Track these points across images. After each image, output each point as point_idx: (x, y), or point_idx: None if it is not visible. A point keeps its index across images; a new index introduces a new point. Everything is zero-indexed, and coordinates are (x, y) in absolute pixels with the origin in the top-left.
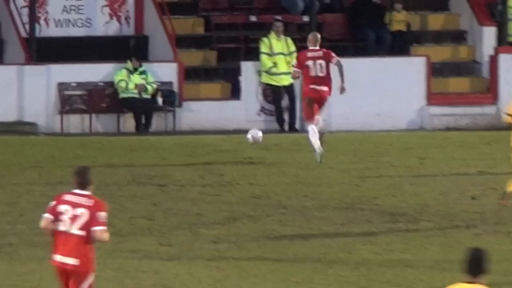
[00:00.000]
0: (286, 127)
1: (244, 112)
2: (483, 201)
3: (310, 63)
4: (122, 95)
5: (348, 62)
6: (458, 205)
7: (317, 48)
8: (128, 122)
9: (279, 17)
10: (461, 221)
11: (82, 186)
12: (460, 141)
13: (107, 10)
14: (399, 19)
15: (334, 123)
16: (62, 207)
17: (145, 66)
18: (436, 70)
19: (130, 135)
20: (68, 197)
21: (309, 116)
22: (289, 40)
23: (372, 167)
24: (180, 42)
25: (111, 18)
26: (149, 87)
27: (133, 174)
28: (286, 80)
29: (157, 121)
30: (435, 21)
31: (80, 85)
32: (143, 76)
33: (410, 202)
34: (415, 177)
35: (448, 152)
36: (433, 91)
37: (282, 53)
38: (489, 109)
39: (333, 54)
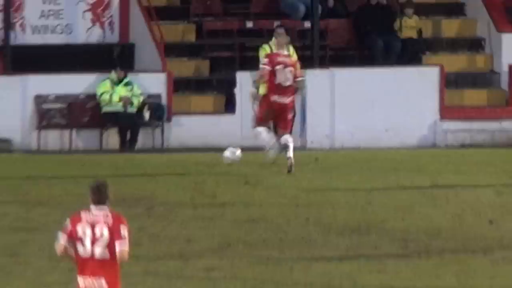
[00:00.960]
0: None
1: (239, 128)
2: (501, 225)
3: (279, 68)
4: (105, 109)
5: (354, 72)
6: (474, 229)
7: (287, 53)
8: (112, 138)
9: (278, 22)
10: (477, 246)
11: (100, 203)
12: (477, 159)
13: (89, 15)
14: (409, 25)
15: (338, 139)
16: (80, 228)
17: (130, 76)
18: (450, 81)
19: (114, 153)
20: (85, 216)
21: (260, 122)
22: (291, 48)
23: (380, 188)
24: (169, 50)
25: (94, 24)
26: (135, 100)
27: (117, 195)
28: None
29: (144, 138)
30: (450, 27)
31: (59, 97)
32: (129, 87)
33: (422, 226)
34: (427, 199)
35: (463, 172)
36: (447, 104)
37: None
38: (508, 124)
39: (299, 71)
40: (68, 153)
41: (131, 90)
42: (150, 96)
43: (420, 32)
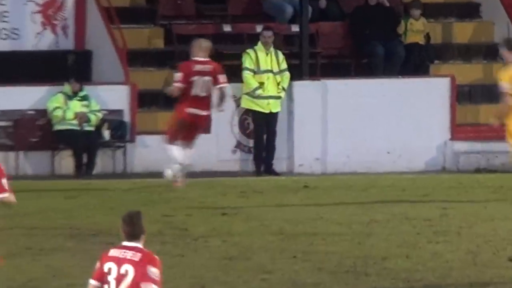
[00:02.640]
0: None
1: (215, 149)
2: None
3: (196, 78)
4: (57, 127)
5: (350, 84)
6: (491, 268)
7: (205, 59)
8: (66, 161)
9: (261, 26)
10: None
11: (132, 237)
12: (493, 185)
13: (39, 17)
14: (416, 29)
15: (331, 162)
16: (107, 266)
17: (87, 89)
18: (463, 95)
19: (68, 178)
20: (114, 252)
21: (172, 136)
22: (281, 55)
23: (380, 220)
24: (133, 58)
25: (44, 28)
26: (92, 117)
27: (72, 228)
28: (274, 106)
29: (103, 160)
30: (463, 31)
31: (3, 113)
32: (85, 102)
33: (429, 264)
34: (436, 232)
35: (477, 200)
36: (459, 122)
37: (271, 71)
38: None
39: (221, 76)
40: (14, 179)
41: (88, 105)
42: (110, 112)
43: (428, 37)
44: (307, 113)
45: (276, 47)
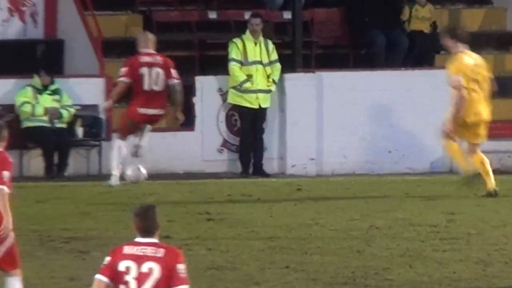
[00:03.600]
0: (251, 169)
1: (200, 148)
2: None
3: (144, 71)
4: (26, 124)
5: (348, 77)
6: (503, 279)
7: (153, 51)
8: (35, 161)
9: (249, 13)
10: None
11: (147, 233)
12: (507, 188)
13: (5, 3)
14: (422, 16)
15: (327, 163)
16: (123, 264)
17: (58, 82)
18: None
19: (38, 181)
20: (129, 250)
21: (124, 132)
22: (271, 45)
23: (381, 226)
24: (109, 48)
25: (11, 15)
26: (64, 113)
27: (42, 235)
28: (264, 101)
29: (76, 161)
30: (472, 19)
31: None
32: (56, 97)
33: (435, 275)
34: (442, 240)
35: (489, 205)
36: None
37: (260, 62)
38: None
39: (173, 70)
40: None
41: (60, 100)
42: (84, 107)
43: (434, 25)
44: (301, 108)
45: (266, 36)
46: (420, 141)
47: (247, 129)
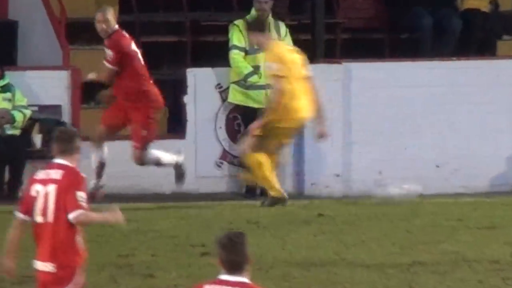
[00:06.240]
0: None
1: (193, 161)
2: None
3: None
4: None
5: (383, 69)
6: None
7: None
8: None
9: None
10: None
11: (235, 269)
12: None
13: None
14: None
15: (356, 181)
16: None
17: (10, 76)
18: None
19: None
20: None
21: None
22: (283, 28)
23: (427, 262)
24: (76, 33)
25: None
26: (17, 115)
27: None
28: None
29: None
30: None
31: None
32: (7, 95)
33: None
34: (505, 279)
35: None
36: None
37: None
38: None
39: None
40: None
41: (11, 99)
42: (42, 108)
43: (495, 2)
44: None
45: (277, 17)
46: (476, 153)
47: None
